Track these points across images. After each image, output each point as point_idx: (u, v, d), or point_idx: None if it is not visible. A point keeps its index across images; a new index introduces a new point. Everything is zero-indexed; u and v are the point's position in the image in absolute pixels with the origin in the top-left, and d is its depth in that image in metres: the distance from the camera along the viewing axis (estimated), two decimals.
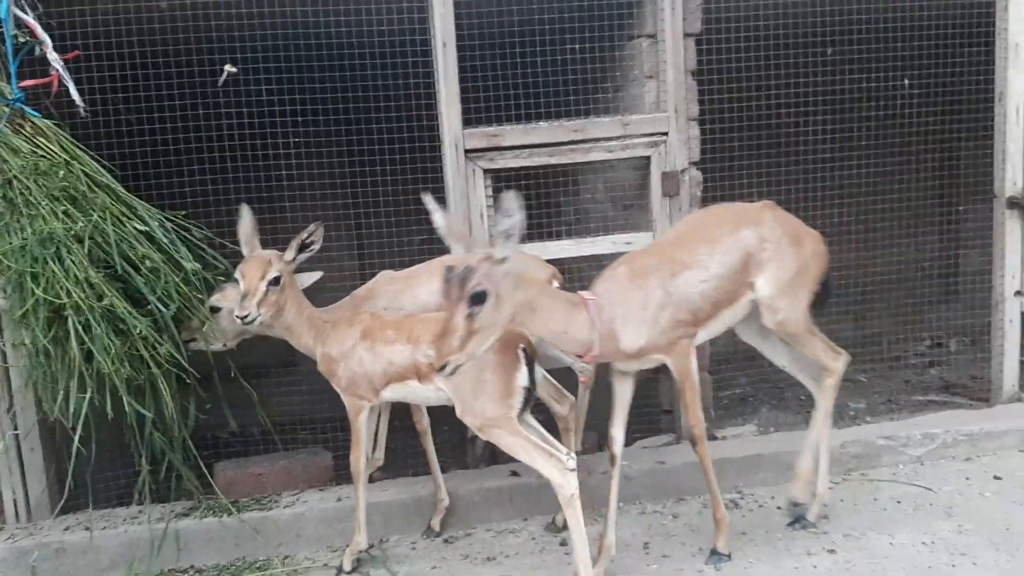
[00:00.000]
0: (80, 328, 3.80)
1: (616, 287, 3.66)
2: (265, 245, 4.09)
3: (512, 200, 3.20)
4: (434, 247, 4.57)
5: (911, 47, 5.40)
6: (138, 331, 3.87)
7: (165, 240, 3.99)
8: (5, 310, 4.11)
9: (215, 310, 4.12)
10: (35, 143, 3.98)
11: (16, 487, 4.39)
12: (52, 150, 3.98)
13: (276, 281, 3.87)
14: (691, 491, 4.60)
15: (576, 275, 4.90)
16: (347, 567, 4.05)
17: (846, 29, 5.16)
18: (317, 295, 4.22)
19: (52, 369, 3.91)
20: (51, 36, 4.10)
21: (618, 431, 3.93)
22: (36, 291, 3.81)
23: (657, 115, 4.66)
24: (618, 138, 4.61)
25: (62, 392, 3.90)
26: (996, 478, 4.61)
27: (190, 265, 4.01)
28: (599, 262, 5.19)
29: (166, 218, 4.10)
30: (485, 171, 4.57)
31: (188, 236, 4.15)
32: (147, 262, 3.95)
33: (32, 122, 4.03)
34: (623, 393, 3.96)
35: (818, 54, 5.15)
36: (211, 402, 4.35)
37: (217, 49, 4.41)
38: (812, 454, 4.19)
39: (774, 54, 5.05)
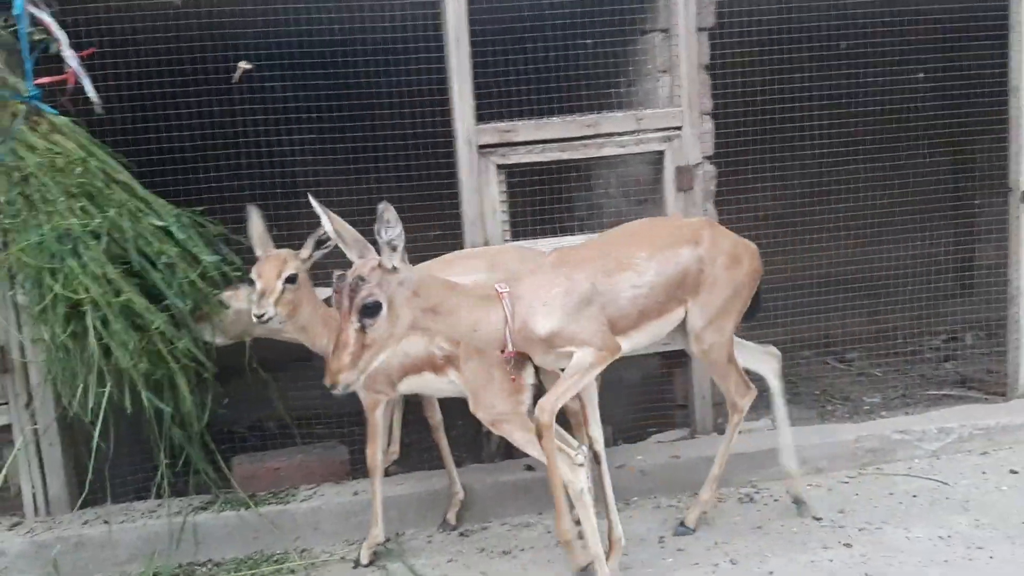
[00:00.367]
0: (98, 323, 3.83)
1: (540, 276, 3.50)
2: (279, 242, 4.12)
3: (390, 211, 3.09)
4: (447, 242, 4.60)
5: (925, 41, 5.38)
6: (155, 326, 3.89)
7: (182, 235, 4.01)
8: (24, 306, 4.14)
9: (224, 306, 4.14)
10: (51, 140, 4.00)
11: (35, 481, 4.43)
12: (68, 147, 4.00)
13: (292, 279, 3.90)
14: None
15: None
16: (365, 560, 4.07)
17: (860, 23, 5.14)
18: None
19: (71, 364, 3.94)
20: (66, 33, 4.13)
21: (595, 430, 3.84)
22: (54, 287, 3.83)
23: (671, 110, 4.66)
24: (632, 133, 4.61)
25: (81, 387, 3.93)
26: (1012, 472, 4.59)
27: (208, 258, 4.03)
28: None
29: (181, 214, 4.12)
30: (498, 167, 4.58)
31: (203, 232, 4.17)
32: (163, 257, 3.97)
33: (48, 119, 4.04)
34: (590, 391, 3.81)
35: (832, 48, 5.14)
36: (228, 397, 4.37)
37: (231, 46, 4.43)
38: (789, 454, 4.24)
39: (787, 48, 5.03)
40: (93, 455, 3.96)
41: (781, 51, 5.04)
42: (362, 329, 3.10)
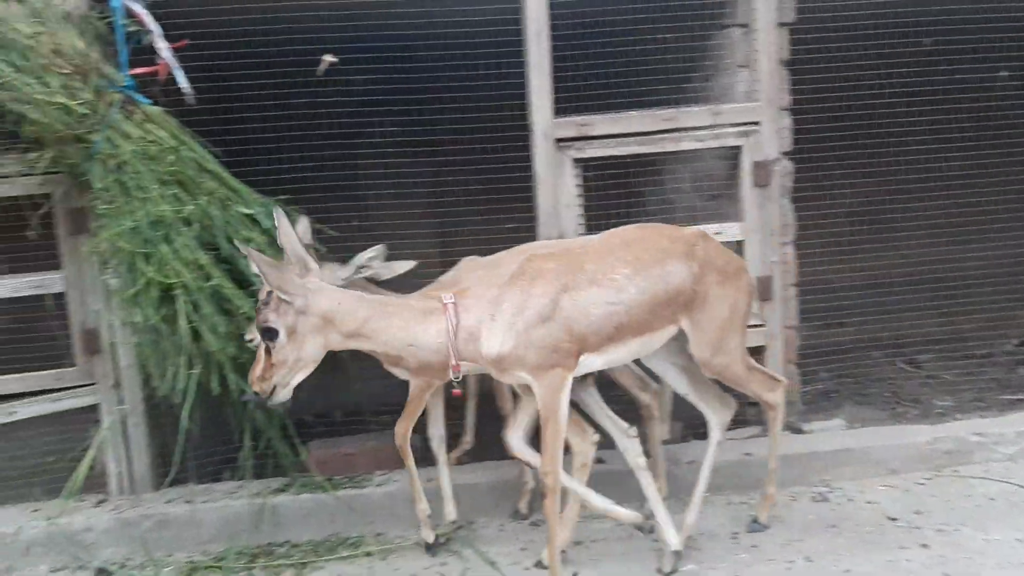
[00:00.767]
0: (189, 308, 3.95)
1: (493, 288, 3.38)
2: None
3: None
4: (521, 235, 4.64)
5: (1009, 38, 5.27)
6: (243, 311, 3.99)
7: (268, 223, 4.11)
8: (115, 290, 4.27)
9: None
10: (145, 129, 4.12)
11: (121, 461, 4.57)
12: (161, 136, 4.12)
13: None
14: (778, 483, 4.56)
15: None
16: (429, 539, 4.10)
17: (943, 19, 5.05)
18: (404, 283, 4.29)
19: (162, 347, 4.07)
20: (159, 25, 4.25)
21: (514, 436, 3.75)
22: (147, 272, 3.96)
23: (749, 105, 4.64)
24: (709, 127, 4.60)
25: (171, 369, 4.05)
26: None
27: None
28: None
29: (268, 202, 4.21)
30: (575, 160, 4.61)
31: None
32: (251, 244, 4.06)
33: (142, 109, 4.17)
34: (527, 400, 3.69)
35: (914, 44, 5.07)
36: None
37: (316, 39, 4.52)
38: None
39: (869, 44, 4.98)
40: (183, 435, 4.07)
41: (862, 47, 4.99)
42: (267, 350, 3.18)
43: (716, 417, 4.00)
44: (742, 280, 3.77)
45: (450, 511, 4.25)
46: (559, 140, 4.55)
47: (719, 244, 3.81)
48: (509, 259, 4.29)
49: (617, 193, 5.07)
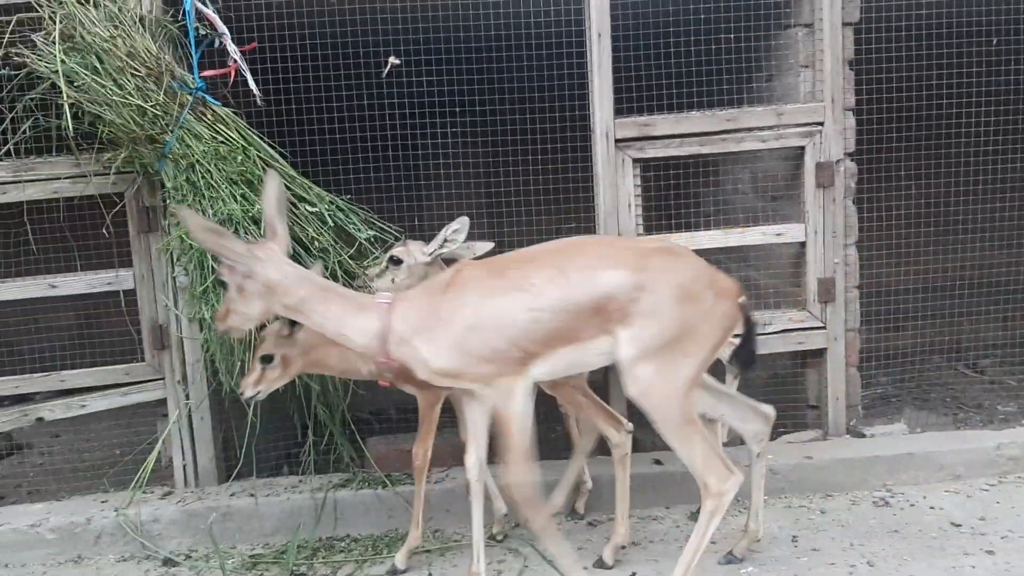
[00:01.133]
0: None
1: (428, 293, 3.39)
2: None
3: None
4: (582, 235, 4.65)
5: None
6: None
7: (338, 218, 4.17)
8: (184, 287, 4.38)
9: (397, 261, 4.06)
10: (215, 130, 4.21)
11: (186, 454, 4.67)
12: (230, 136, 4.21)
13: (268, 359, 3.84)
14: (839, 487, 4.54)
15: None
16: (400, 566, 4.04)
17: (1012, 19, 4.97)
18: None
19: (228, 343, 4.16)
20: (228, 28, 4.35)
21: (470, 455, 3.69)
22: (217, 269, 4.04)
23: (813, 105, 4.60)
24: (771, 128, 4.57)
25: (237, 365, 4.13)
26: None
27: (363, 235, 4.18)
28: (740, 254, 5.21)
29: (335, 200, 4.28)
30: (634, 160, 4.61)
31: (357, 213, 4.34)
32: (316, 243, 4.14)
33: (213, 110, 4.26)
34: (472, 415, 3.64)
35: (980, 44, 4.99)
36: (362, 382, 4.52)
37: (380, 41, 4.58)
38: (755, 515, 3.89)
39: (936, 43, 4.91)
40: (250, 430, 4.15)
41: (927, 46, 4.92)
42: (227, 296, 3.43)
43: (749, 427, 3.83)
44: (716, 303, 3.32)
45: (500, 507, 4.27)
46: (619, 140, 4.56)
47: (694, 262, 3.41)
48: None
49: (677, 193, 5.06)
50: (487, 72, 4.95)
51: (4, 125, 4.30)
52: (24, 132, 4.30)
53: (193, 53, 4.30)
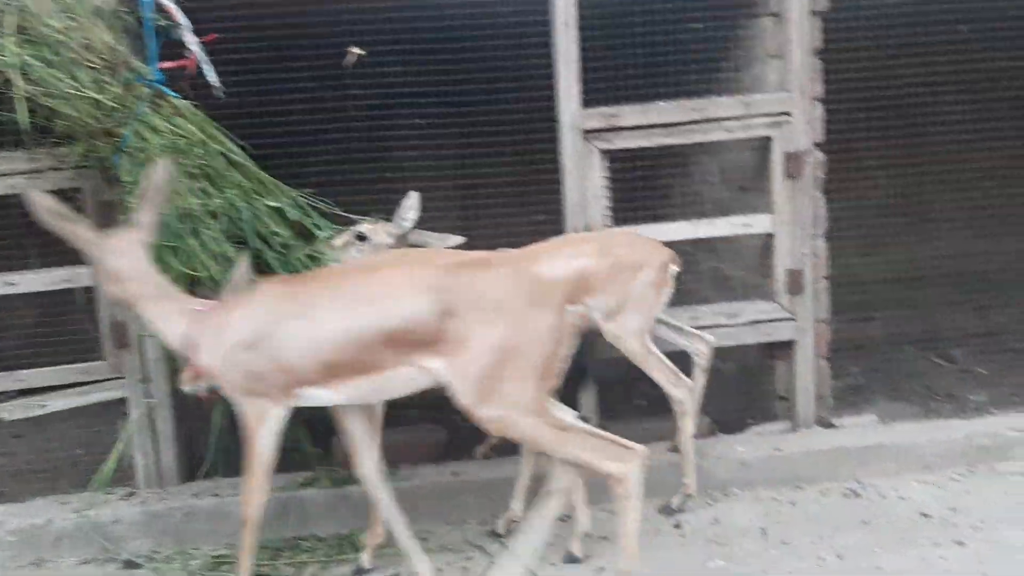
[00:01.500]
0: None
1: (228, 305, 3.39)
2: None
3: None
4: (548, 227, 4.62)
5: None
6: None
7: (295, 215, 4.10)
8: None
9: (362, 238, 3.99)
10: (173, 123, 4.11)
11: (148, 454, 4.57)
12: (189, 130, 4.11)
13: None
14: (809, 479, 4.52)
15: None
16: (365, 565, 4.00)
17: (979, 6, 4.95)
18: None
19: None
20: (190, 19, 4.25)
21: (364, 464, 3.67)
22: (175, 265, 3.97)
23: (780, 95, 4.57)
24: (739, 118, 4.54)
25: None
26: None
27: (323, 233, 4.11)
28: (709, 245, 5.18)
29: (297, 195, 4.20)
30: (602, 152, 4.56)
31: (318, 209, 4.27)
32: (277, 238, 4.07)
33: (171, 102, 4.16)
34: (351, 425, 3.63)
35: (949, 33, 4.97)
36: None
37: (343, 32, 4.51)
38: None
39: (904, 32, 4.89)
40: (213, 429, 4.07)
41: (896, 35, 4.90)
42: None
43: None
44: (535, 321, 3.02)
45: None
46: (587, 131, 4.51)
47: (501, 276, 3.09)
48: (544, 251, 4.21)
49: (645, 185, 5.02)
50: (453, 62, 4.89)
51: None
52: None
53: (151, 44, 4.20)
